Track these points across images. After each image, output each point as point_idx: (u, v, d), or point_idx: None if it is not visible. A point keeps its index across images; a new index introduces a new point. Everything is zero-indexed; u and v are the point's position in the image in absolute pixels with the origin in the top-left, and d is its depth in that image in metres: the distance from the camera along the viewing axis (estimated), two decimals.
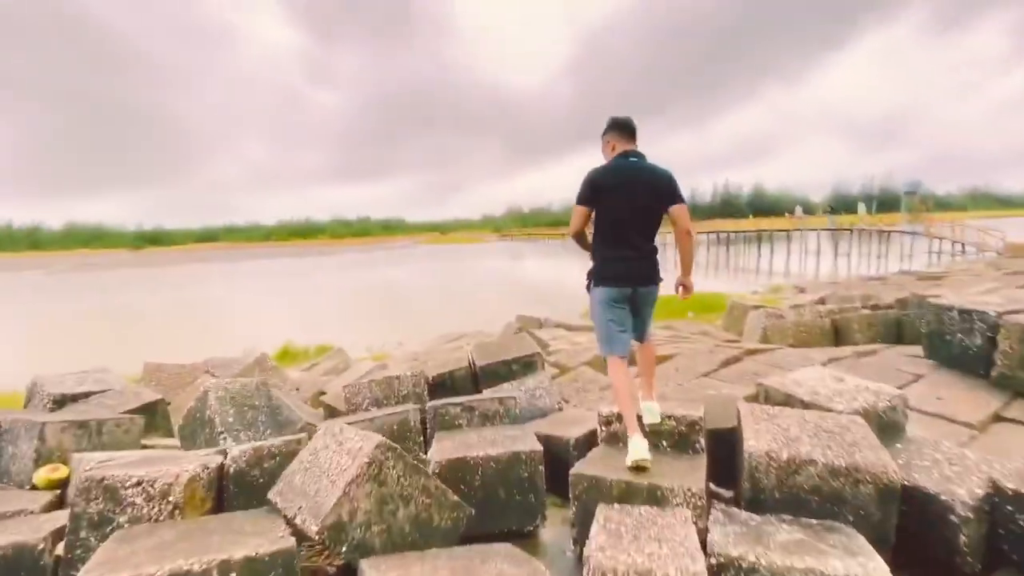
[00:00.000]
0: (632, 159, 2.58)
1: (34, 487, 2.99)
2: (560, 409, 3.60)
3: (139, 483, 2.06)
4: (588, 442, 2.93)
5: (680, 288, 2.82)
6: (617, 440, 2.72)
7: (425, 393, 3.56)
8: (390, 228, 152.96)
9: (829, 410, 2.73)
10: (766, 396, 3.20)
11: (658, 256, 2.69)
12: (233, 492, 2.45)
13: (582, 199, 2.55)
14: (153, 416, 4.19)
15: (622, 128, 2.64)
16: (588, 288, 2.72)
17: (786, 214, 44.35)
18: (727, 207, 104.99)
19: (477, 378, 3.96)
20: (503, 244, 76.60)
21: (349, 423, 2.89)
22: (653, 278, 2.64)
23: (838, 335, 6.26)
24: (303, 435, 2.73)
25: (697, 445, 2.58)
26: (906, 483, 2.23)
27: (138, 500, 2.05)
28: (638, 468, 2.27)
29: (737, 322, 7.92)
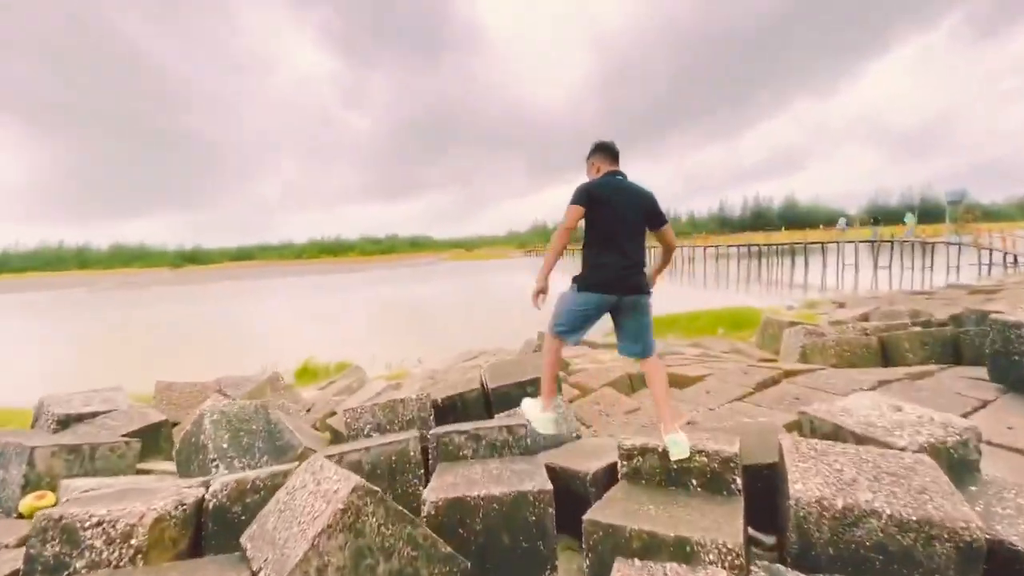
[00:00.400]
0: (619, 178, 2.72)
1: (20, 515, 2.85)
2: (578, 437, 3.28)
3: (99, 523, 1.86)
4: (608, 478, 2.61)
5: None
6: (640, 477, 2.40)
7: (431, 418, 3.31)
8: (417, 245, 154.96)
9: (888, 446, 2.36)
10: (811, 427, 2.83)
11: (645, 269, 2.73)
12: (212, 531, 2.23)
13: (578, 200, 2.60)
14: (156, 438, 4.05)
15: (607, 151, 2.78)
16: (570, 288, 2.72)
17: (821, 226, 42.79)
18: (758, 220, 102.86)
19: (489, 401, 3.69)
20: (527, 260, 76.53)
21: (344, 452, 2.66)
22: (641, 287, 2.66)
23: (886, 355, 5.74)
24: (292, 466, 2.50)
25: (733, 486, 2.24)
26: (988, 537, 1.85)
27: (97, 543, 1.84)
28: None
29: (772, 340, 7.43)
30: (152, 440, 3.98)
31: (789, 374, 4.84)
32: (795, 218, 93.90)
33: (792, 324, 7.12)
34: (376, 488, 1.66)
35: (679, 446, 2.34)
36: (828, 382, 4.46)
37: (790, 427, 3.53)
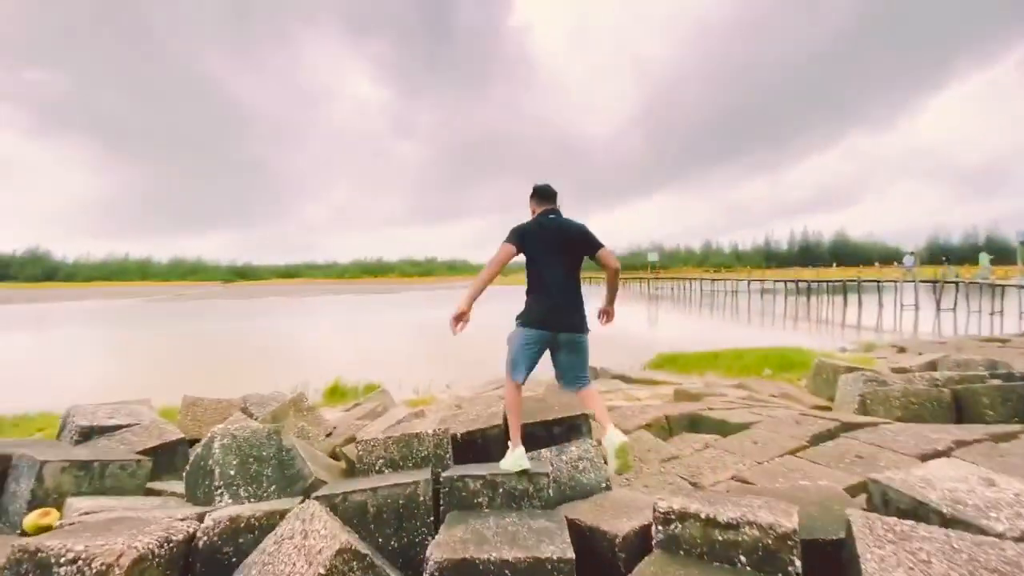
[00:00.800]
0: (551, 216, 2.89)
1: (24, 532, 2.76)
2: (608, 487, 2.96)
3: (75, 560, 1.70)
4: (640, 541, 2.29)
5: (603, 315, 3.03)
6: (678, 546, 2.07)
7: (449, 455, 3.06)
8: (454, 269, 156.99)
9: (983, 531, 1.95)
10: (883, 498, 2.43)
11: (583, 307, 2.83)
12: (200, 572, 2.05)
13: (509, 239, 2.76)
14: (172, 456, 3.96)
15: (542, 193, 2.97)
16: (515, 328, 2.84)
17: (876, 263, 40.54)
18: (806, 254, 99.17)
19: None
20: None
21: (350, 492, 2.45)
22: (577, 326, 2.79)
23: (960, 410, 5.12)
24: (290, 504, 2.31)
25: (791, 568, 1.89)
26: None
27: None
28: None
29: (826, 385, 6.83)
30: (167, 458, 3.90)
31: (848, 427, 4.35)
32: (847, 254, 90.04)
33: (849, 369, 6.54)
34: (365, 551, 1.44)
35: (613, 439, 2.63)
36: (895, 439, 3.96)
37: (852, 490, 3.09)
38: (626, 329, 20.43)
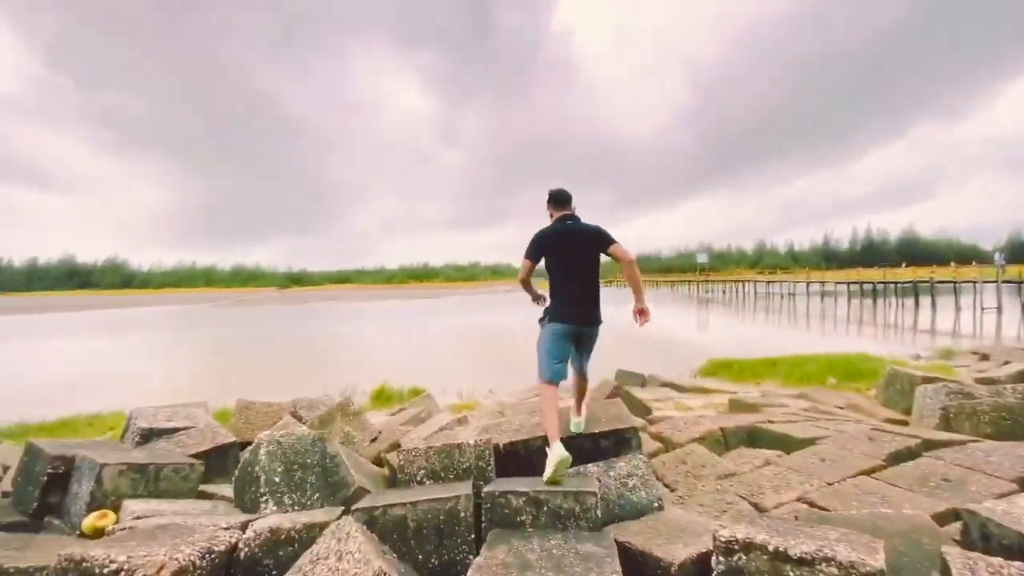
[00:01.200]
0: (568, 222, 3.11)
1: (82, 534, 2.86)
2: (659, 507, 2.76)
3: (117, 571, 1.70)
4: (698, 570, 2.10)
5: (637, 314, 3.07)
6: None
7: (491, 467, 2.95)
8: (497, 273, 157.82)
9: None
10: (981, 532, 2.12)
11: (600, 303, 3.13)
12: None
13: (527, 255, 3.11)
14: (224, 460, 4.05)
15: (556, 199, 3.19)
16: (541, 324, 3.15)
17: (952, 263, 37.51)
18: (871, 254, 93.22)
19: None
20: (609, 291, 75.17)
21: (390, 505, 2.38)
22: (594, 320, 3.09)
23: None
24: (330, 516, 2.26)
25: None
26: None
27: None
28: (553, 483, 2.48)
29: (901, 397, 6.26)
30: (220, 461, 3.99)
31: (931, 444, 3.93)
32: (917, 253, 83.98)
33: (928, 379, 5.97)
34: None
35: (577, 425, 3.22)
36: (988, 460, 3.53)
37: (940, 519, 2.75)
38: (674, 333, 19.76)
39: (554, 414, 2.84)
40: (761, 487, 3.41)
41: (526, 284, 3.24)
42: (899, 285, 33.54)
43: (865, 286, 36.32)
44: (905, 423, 5.39)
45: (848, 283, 38.06)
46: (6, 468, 4.23)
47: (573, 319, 3.01)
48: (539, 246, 3.08)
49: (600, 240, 3.02)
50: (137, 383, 12.12)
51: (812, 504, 3.08)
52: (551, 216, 3.21)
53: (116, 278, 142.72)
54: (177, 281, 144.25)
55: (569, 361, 3.13)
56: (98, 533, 2.80)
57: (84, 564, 1.72)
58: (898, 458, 3.68)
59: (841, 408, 6.10)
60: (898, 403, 6.19)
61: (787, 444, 4.23)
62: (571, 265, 3.03)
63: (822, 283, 40.86)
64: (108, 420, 7.83)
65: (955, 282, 30.44)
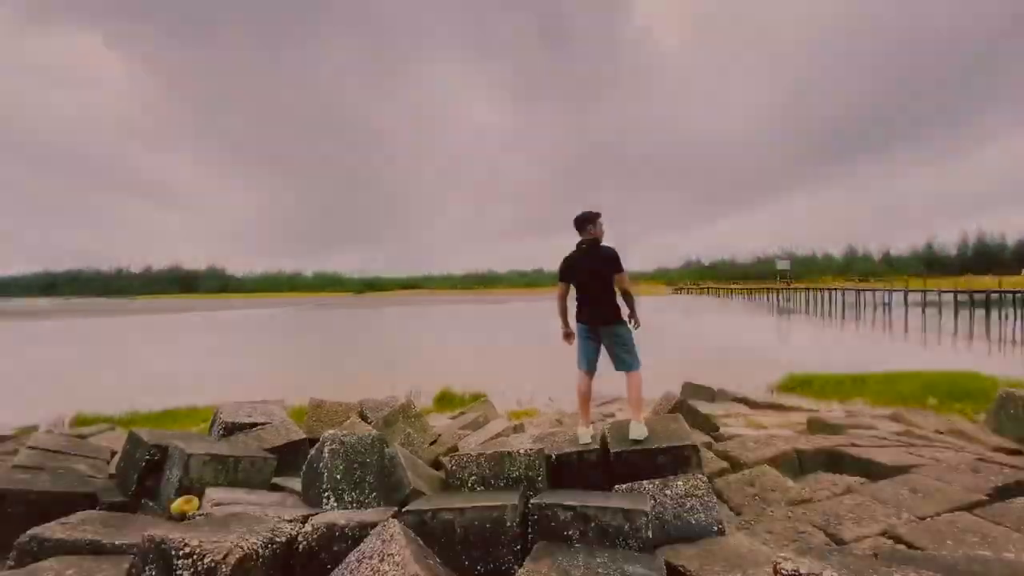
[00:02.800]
0: (582, 247, 3.74)
1: (171, 516, 3.15)
2: (721, 532, 2.60)
3: (190, 554, 1.86)
4: None
5: (630, 321, 3.71)
6: None
7: (542, 477, 2.93)
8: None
9: None
10: None
11: (615, 305, 3.66)
12: (300, 574, 2.14)
13: (559, 278, 3.80)
14: (295, 455, 4.32)
15: (577, 225, 3.79)
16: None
17: None
18: (983, 259, 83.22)
19: (611, 465, 3.19)
20: (677, 298, 72.41)
21: (438, 509, 2.42)
22: (608, 319, 3.63)
23: None
24: (383, 516, 2.34)
25: None
26: None
27: (185, 574, 1.83)
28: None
29: (1015, 423, 5.50)
30: (291, 456, 4.26)
31: None
32: None
33: None
34: None
35: (637, 430, 3.28)
36: None
37: None
38: (750, 345, 18.64)
39: (585, 398, 3.75)
40: (840, 517, 3.12)
41: (562, 311, 3.83)
42: (1017, 295, 29.58)
43: (976, 296, 32.43)
44: (1019, 453, 4.73)
45: (956, 292, 34.13)
46: (114, 453, 4.77)
47: (587, 320, 3.71)
48: (563, 271, 3.78)
49: (611, 264, 3.64)
50: (228, 379, 13.23)
51: (898, 540, 2.78)
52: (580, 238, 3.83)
53: (215, 283, 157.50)
54: (267, 286, 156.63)
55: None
56: (183, 516, 3.08)
57: (163, 546, 1.89)
58: (1006, 493, 3.24)
59: (941, 433, 5.46)
60: (1012, 430, 5.45)
61: (873, 471, 3.86)
62: (586, 285, 3.69)
63: (923, 292, 36.83)
64: (202, 413, 8.60)
65: None
